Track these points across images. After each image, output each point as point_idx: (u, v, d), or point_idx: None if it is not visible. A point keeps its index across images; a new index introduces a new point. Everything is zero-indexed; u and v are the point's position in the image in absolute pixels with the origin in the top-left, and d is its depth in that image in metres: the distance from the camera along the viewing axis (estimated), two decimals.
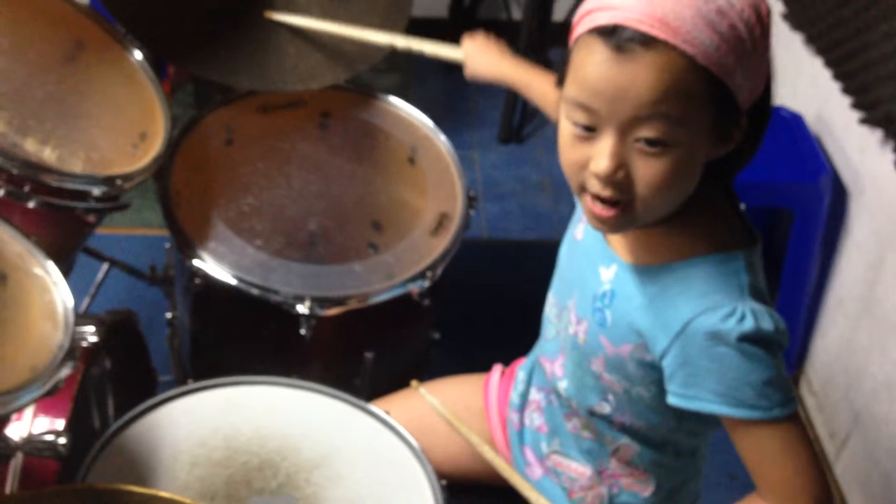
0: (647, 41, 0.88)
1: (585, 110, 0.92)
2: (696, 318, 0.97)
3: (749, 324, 0.95)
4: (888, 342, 1.84)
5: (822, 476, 1.00)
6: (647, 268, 1.03)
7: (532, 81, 1.42)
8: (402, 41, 1.58)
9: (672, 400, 1.03)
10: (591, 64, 0.91)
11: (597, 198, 0.95)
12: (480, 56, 1.47)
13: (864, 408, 1.91)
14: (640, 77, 0.88)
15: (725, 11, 0.89)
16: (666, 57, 0.88)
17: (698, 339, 0.97)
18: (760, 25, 0.92)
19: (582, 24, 0.93)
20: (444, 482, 1.19)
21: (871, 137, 1.88)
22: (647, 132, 0.90)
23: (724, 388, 0.97)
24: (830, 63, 2.02)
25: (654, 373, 1.04)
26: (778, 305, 2.15)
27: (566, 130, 0.96)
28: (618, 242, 1.08)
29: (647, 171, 0.92)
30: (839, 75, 1.98)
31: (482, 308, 2.28)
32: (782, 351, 0.99)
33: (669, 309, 0.99)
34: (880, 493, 1.83)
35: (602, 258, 1.09)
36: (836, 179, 2.04)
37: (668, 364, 1.01)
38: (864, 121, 1.88)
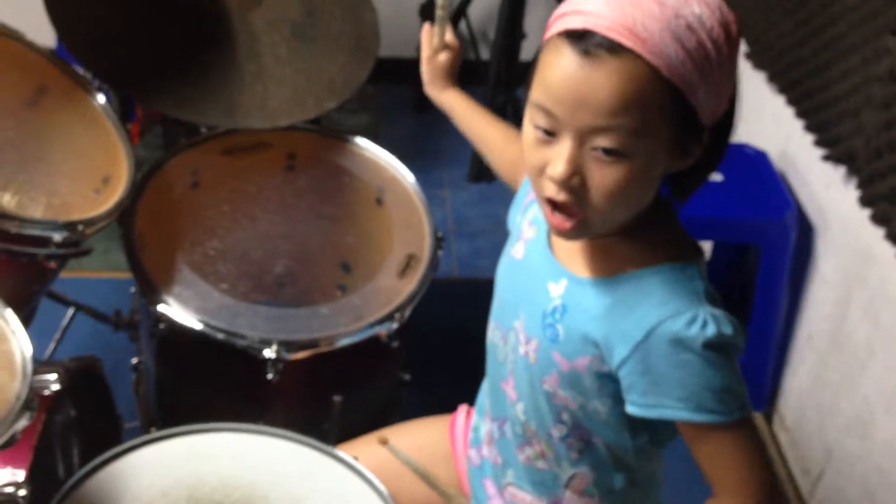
0: (613, 48, 0.89)
1: (547, 114, 0.94)
2: (660, 325, 0.98)
3: (712, 330, 0.96)
4: (857, 378, 1.84)
5: (773, 475, 1.03)
6: (602, 279, 1.04)
7: (480, 116, 1.37)
8: None
9: (631, 409, 1.03)
10: (557, 67, 0.92)
11: (554, 207, 0.97)
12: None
13: (837, 444, 1.91)
14: (602, 84, 0.89)
15: (695, 28, 0.90)
16: (631, 65, 0.89)
17: (662, 347, 0.98)
18: (729, 45, 0.93)
19: (554, 26, 0.95)
20: None
21: (835, 174, 1.90)
22: (604, 142, 0.92)
23: (686, 393, 0.98)
24: (793, 101, 2.04)
25: (610, 384, 1.05)
26: (748, 342, 2.15)
27: (529, 134, 0.98)
28: (567, 257, 1.08)
29: (602, 178, 0.93)
30: (801, 113, 2.00)
31: (452, 347, 2.26)
32: (739, 354, 1.01)
33: (629, 318, 1.00)
34: None
35: (550, 274, 1.09)
36: (801, 215, 2.06)
37: (625, 374, 1.02)
38: (827, 157, 1.90)
